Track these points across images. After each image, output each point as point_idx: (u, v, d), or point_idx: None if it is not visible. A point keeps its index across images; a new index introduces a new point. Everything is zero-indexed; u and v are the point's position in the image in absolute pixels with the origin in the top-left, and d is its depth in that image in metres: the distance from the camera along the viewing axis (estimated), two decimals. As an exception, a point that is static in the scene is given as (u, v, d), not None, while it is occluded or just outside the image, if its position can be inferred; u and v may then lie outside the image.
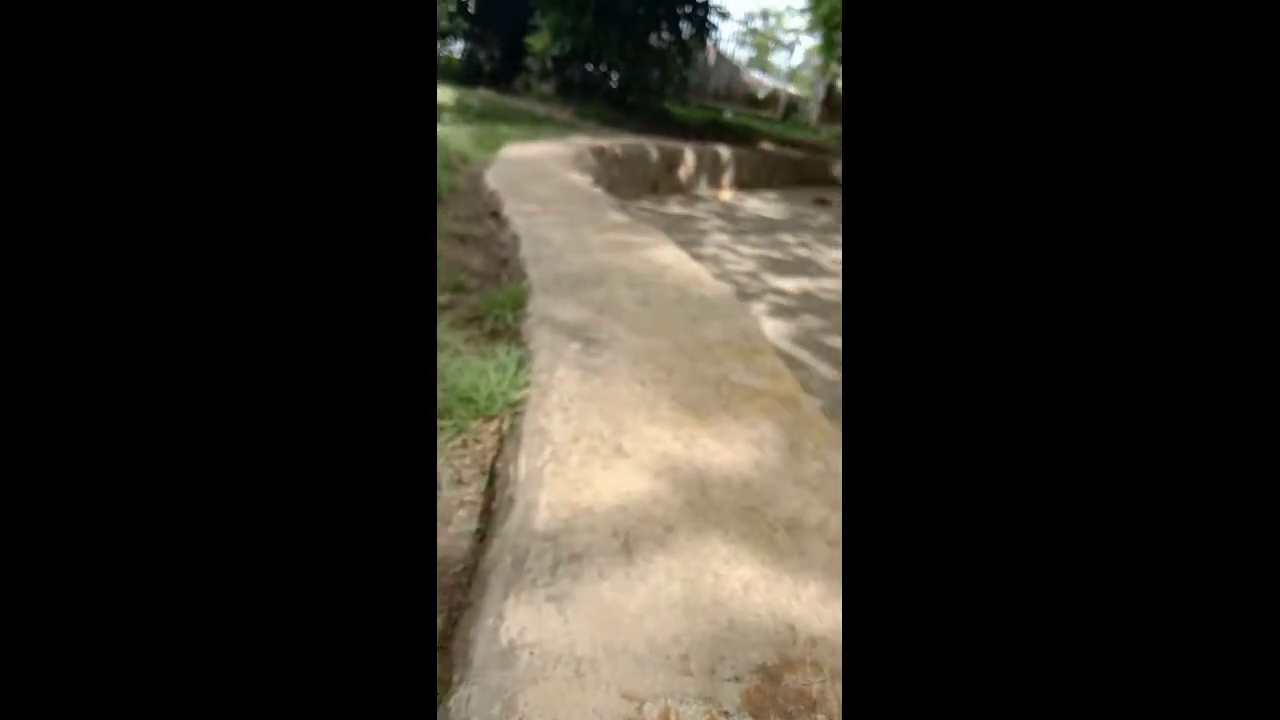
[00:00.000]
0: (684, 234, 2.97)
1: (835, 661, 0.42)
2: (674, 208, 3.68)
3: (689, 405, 0.73)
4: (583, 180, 2.44)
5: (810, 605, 0.46)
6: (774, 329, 1.90)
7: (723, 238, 3.04)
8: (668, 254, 1.44)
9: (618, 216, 1.83)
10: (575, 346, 0.86)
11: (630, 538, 0.51)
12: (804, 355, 1.74)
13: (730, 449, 0.65)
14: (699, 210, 3.72)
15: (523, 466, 0.60)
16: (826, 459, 0.64)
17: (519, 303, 1.04)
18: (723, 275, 2.39)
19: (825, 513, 0.56)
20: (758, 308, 2.10)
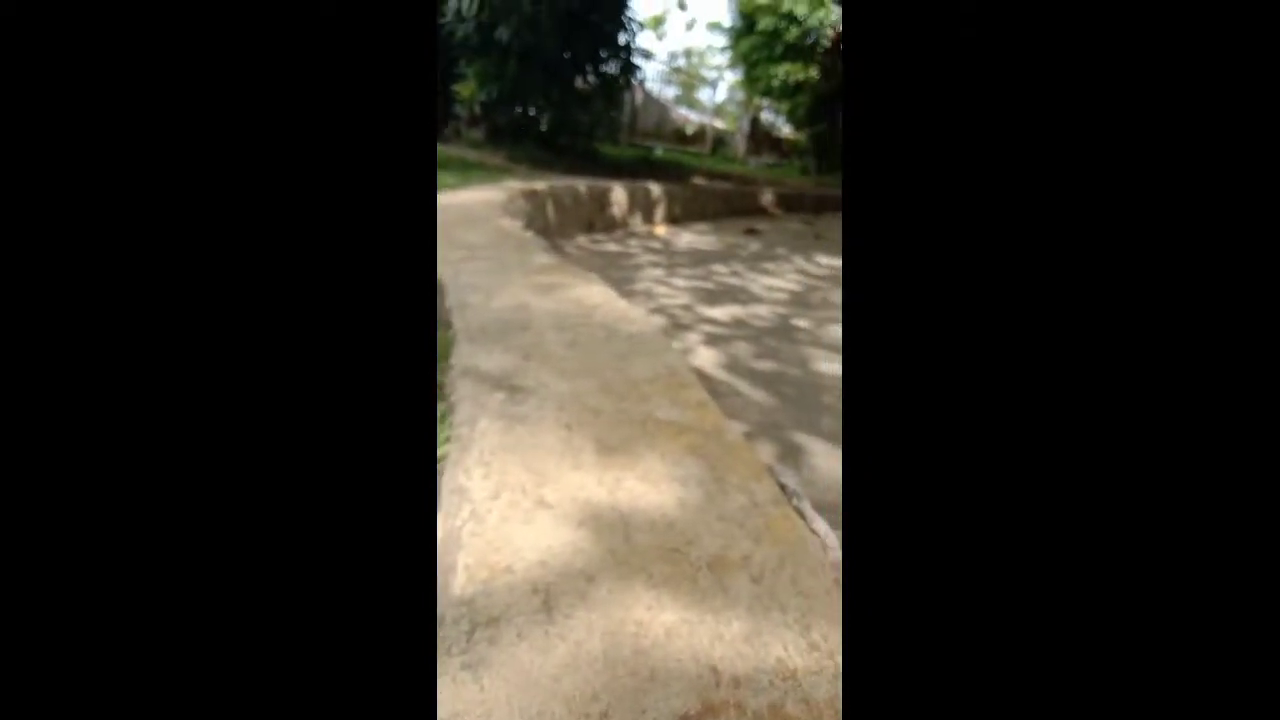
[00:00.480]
0: (619, 270, 3.00)
1: (758, 701, 0.42)
2: (609, 245, 3.73)
3: (614, 447, 0.73)
4: (513, 224, 2.45)
5: (733, 645, 0.46)
6: (708, 357, 1.93)
7: (657, 271, 3.09)
8: (596, 293, 1.45)
9: (547, 259, 1.84)
10: (499, 396, 0.85)
11: (551, 594, 0.50)
12: (738, 382, 1.77)
13: (655, 489, 0.65)
14: (633, 246, 3.79)
15: (439, 530, 0.58)
16: (750, 491, 0.65)
17: (442, 354, 1.03)
18: (658, 309, 2.43)
19: (748, 547, 0.57)
20: (692, 337, 2.13)
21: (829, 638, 0.48)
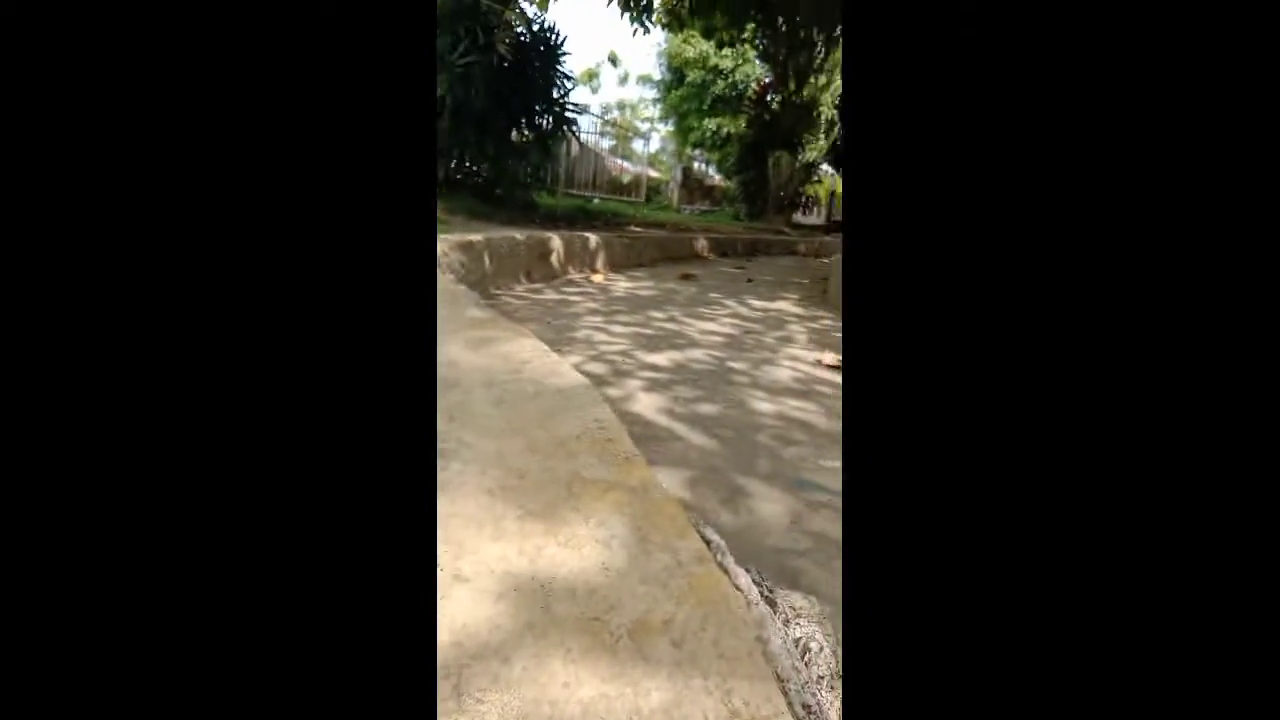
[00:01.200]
0: (558, 318, 3.00)
1: (678, 778, 0.41)
2: (548, 294, 3.74)
3: (538, 512, 0.71)
4: (444, 279, 2.42)
5: (651, 718, 0.45)
6: (648, 403, 1.94)
7: (596, 319, 3.11)
8: (527, 347, 1.44)
9: (480, 313, 1.83)
10: (420, 462, 0.82)
11: (462, 678, 0.47)
12: (677, 426, 1.77)
13: (578, 554, 0.64)
14: (572, 294, 3.81)
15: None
16: (674, 549, 0.65)
17: (363, 419, 0.99)
18: (597, 356, 2.43)
19: (670, 609, 0.56)
20: (632, 384, 2.14)
21: (750, 702, 0.47)
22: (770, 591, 0.66)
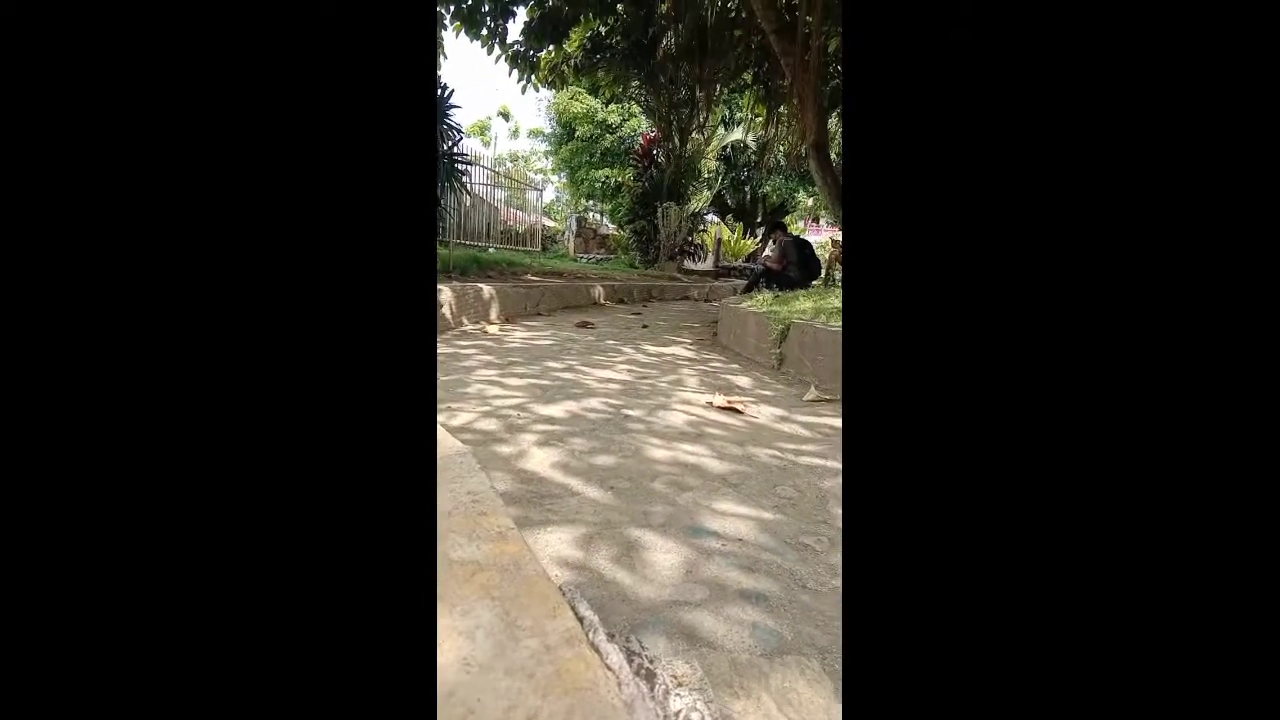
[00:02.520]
0: (449, 373, 2.89)
1: None
2: (440, 348, 3.60)
3: (397, 603, 0.65)
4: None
5: (507, 841, 0.41)
6: (542, 458, 1.88)
7: (489, 372, 3.02)
8: (404, 413, 1.37)
9: (354, 376, 1.72)
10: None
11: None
12: (572, 481, 1.73)
13: (440, 650, 0.58)
14: (465, 347, 3.70)
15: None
16: (544, 632, 0.61)
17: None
18: (490, 412, 2.35)
19: (535, 703, 0.52)
20: (526, 439, 2.08)
21: (617, 801, 0.44)
22: (651, 663, 0.63)
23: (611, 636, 0.63)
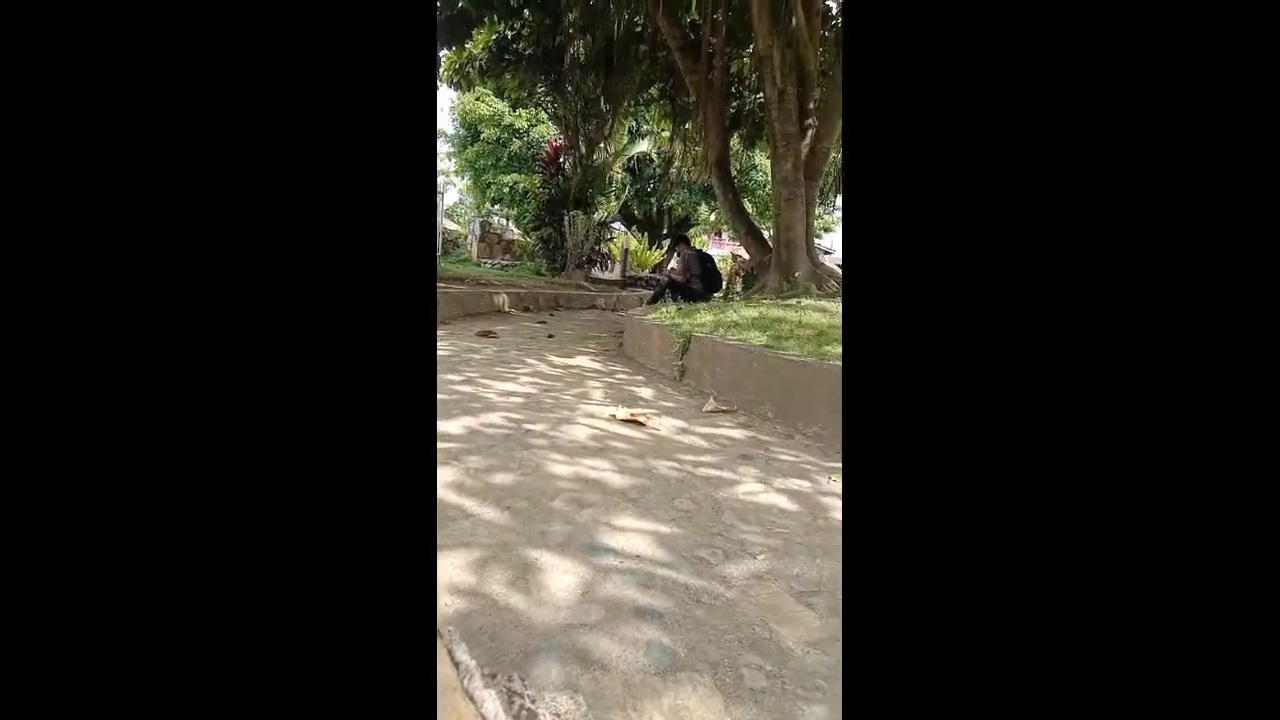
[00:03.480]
0: (335, 388, 2.71)
1: None
2: (325, 358, 3.38)
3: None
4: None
5: None
6: (439, 477, 1.81)
7: (382, 385, 2.87)
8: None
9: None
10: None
11: None
12: (467, 502, 1.68)
13: (303, 703, 0.54)
14: (355, 357, 3.49)
15: None
16: (422, 673, 0.58)
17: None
18: (380, 429, 2.23)
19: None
20: (419, 459, 1.99)
21: None
22: (532, 702, 0.62)
23: (492, 677, 0.61)
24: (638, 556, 1.26)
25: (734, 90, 8.48)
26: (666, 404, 2.82)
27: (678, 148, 9.73)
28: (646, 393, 3.09)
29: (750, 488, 1.70)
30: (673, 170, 11.39)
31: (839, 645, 0.98)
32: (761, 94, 6.68)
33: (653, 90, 9.27)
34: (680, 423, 2.42)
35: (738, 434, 2.33)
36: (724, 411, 2.71)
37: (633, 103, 10.84)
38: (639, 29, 8.08)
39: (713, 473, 1.81)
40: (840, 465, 1.94)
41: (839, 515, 1.54)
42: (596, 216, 11.69)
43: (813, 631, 1.01)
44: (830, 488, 1.76)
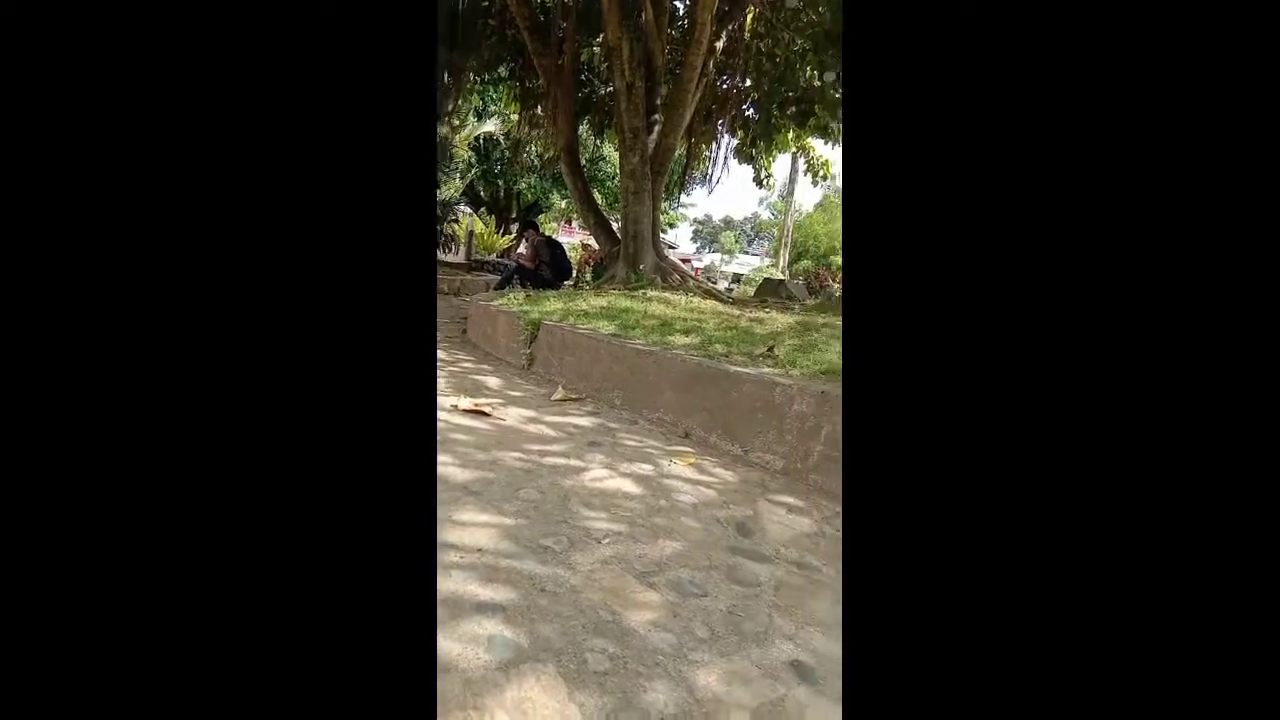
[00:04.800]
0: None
1: None
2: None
3: None
4: None
5: None
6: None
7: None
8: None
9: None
10: None
11: None
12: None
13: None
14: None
15: None
16: None
17: None
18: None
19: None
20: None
21: None
22: None
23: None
24: (480, 550, 1.21)
25: (584, 78, 8.47)
26: (514, 393, 2.75)
27: (526, 131, 9.51)
28: (493, 382, 2.99)
29: (597, 474, 1.72)
30: (522, 154, 11.11)
31: (679, 621, 1.02)
32: (611, 85, 6.74)
33: (501, 70, 8.94)
34: (528, 412, 2.38)
35: (586, 421, 2.34)
36: (572, 400, 2.71)
37: (479, 80, 10.38)
38: (486, 3, 7.72)
39: (560, 461, 1.80)
40: (684, 450, 2.03)
41: (681, 497, 1.62)
42: (440, 195, 11.07)
43: (655, 610, 1.05)
44: (673, 470, 1.83)
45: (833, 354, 2.49)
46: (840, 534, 1.50)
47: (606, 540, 1.30)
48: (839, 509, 1.68)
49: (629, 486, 1.65)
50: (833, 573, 1.29)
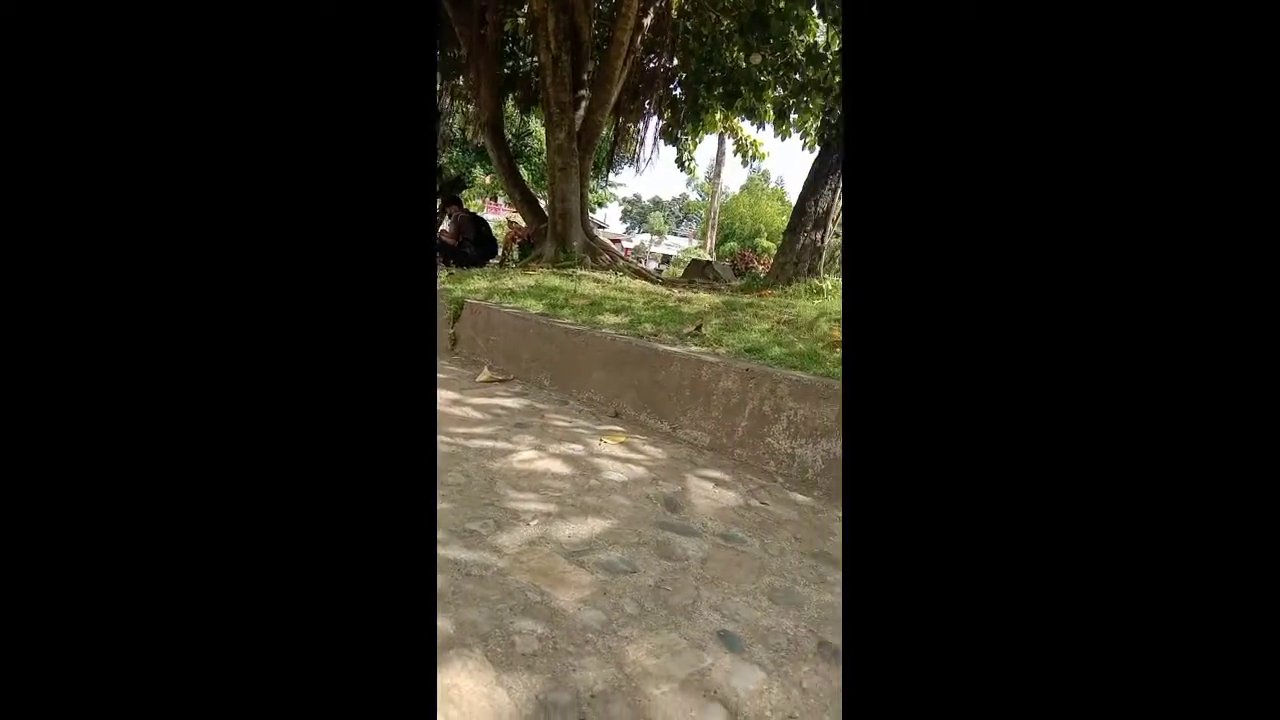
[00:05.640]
0: None
1: None
2: None
3: None
4: None
5: None
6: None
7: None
8: None
9: None
10: None
11: None
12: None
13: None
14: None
15: None
16: None
17: None
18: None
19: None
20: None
21: None
22: None
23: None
24: (402, 537, 1.16)
25: (509, 50, 8.17)
26: (437, 375, 2.66)
27: (447, 102, 9.10)
28: (414, 363, 2.87)
29: (525, 455, 1.69)
30: (443, 127, 10.63)
31: (608, 599, 1.03)
32: (536, 58, 6.55)
33: (419, 35, 8.46)
34: (452, 394, 2.30)
35: (513, 403, 2.30)
36: (499, 381, 2.65)
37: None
38: (401, -38, 7.27)
39: (487, 444, 1.76)
40: (614, 428, 2.03)
41: (611, 475, 1.62)
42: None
43: (584, 589, 1.05)
44: (602, 449, 1.83)
45: (756, 333, 2.56)
46: (765, 507, 1.55)
47: (535, 521, 1.29)
48: (764, 482, 1.74)
49: (558, 467, 1.64)
50: (757, 544, 1.33)
